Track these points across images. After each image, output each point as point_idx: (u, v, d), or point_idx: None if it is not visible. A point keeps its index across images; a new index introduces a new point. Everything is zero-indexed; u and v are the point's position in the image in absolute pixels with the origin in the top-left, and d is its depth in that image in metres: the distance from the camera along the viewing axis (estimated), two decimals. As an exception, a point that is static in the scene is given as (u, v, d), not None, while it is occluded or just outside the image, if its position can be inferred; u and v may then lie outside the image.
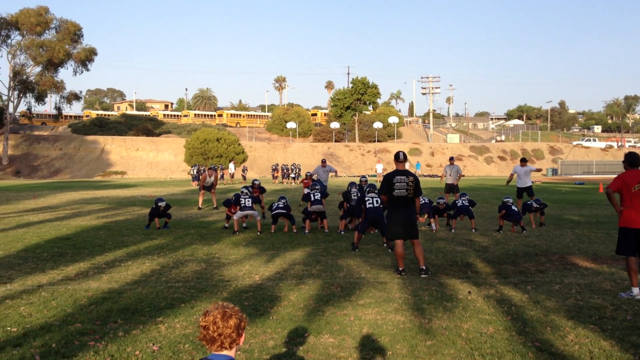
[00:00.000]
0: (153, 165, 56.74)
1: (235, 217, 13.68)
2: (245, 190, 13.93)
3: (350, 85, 72.74)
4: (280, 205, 13.57)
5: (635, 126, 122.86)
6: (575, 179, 48.23)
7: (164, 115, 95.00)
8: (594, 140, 78.95)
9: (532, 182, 17.24)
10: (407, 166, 9.35)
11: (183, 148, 56.69)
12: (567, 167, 60.66)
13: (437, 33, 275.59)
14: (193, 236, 12.92)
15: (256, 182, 17.75)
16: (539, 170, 20.28)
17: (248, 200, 13.71)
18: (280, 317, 6.30)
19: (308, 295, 7.26)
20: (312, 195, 13.76)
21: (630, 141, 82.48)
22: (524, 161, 17.94)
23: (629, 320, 6.07)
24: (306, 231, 13.34)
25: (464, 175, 24.17)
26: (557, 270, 8.97)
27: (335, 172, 26.23)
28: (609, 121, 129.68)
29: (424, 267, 8.63)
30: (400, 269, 8.68)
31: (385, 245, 11.31)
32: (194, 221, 15.95)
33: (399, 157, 9.05)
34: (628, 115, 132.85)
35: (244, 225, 14.25)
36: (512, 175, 17.74)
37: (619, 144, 77.55)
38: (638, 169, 7.43)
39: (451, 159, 20.19)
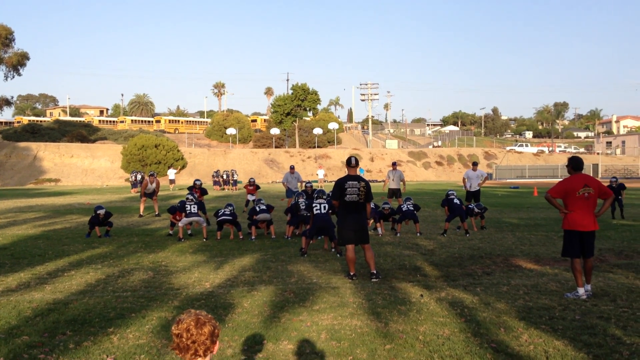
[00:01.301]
0: (88, 172, 54.98)
1: (180, 224, 13.43)
2: (190, 197, 13.70)
3: (290, 91, 72.80)
4: (226, 212, 13.41)
5: (564, 132, 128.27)
6: (510, 183, 49.82)
7: (100, 121, 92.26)
8: (526, 146, 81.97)
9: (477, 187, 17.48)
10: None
11: (120, 155, 55.19)
12: (502, 171, 62.60)
13: (376, 40, 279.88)
14: (137, 244, 12.59)
15: (197, 182, 17.56)
16: (489, 176, 20.66)
17: (194, 207, 13.50)
18: (235, 324, 6.21)
19: (262, 302, 7.20)
20: (257, 207, 13.71)
21: (560, 146, 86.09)
22: (475, 165, 18.21)
23: (577, 319, 6.30)
24: (252, 237, 13.25)
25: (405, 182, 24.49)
26: (502, 272, 9.23)
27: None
28: (540, 127, 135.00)
29: (375, 272, 8.71)
30: (352, 273, 8.73)
31: (333, 250, 11.36)
32: (137, 229, 15.56)
33: (351, 163, 9.11)
34: (557, 121, 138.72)
35: (189, 232, 14.00)
36: (464, 179, 17.83)
37: (550, 149, 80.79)
38: (582, 173, 7.74)
39: (394, 164, 20.45)
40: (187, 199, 13.65)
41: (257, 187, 21.49)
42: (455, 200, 14.16)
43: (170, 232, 14.08)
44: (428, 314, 6.59)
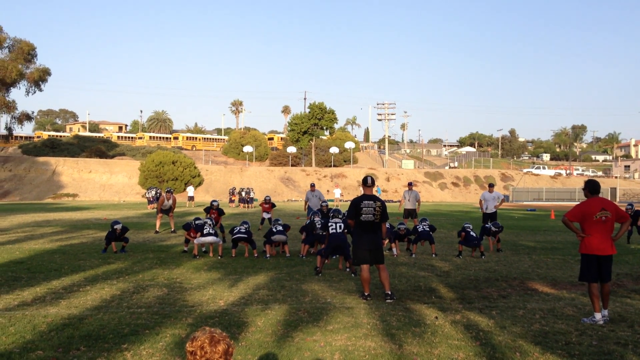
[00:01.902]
0: (106, 187, 55.52)
1: (195, 241, 13.47)
2: (209, 222, 13.76)
3: (308, 110, 73.19)
4: (242, 230, 13.44)
5: (582, 155, 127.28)
6: (527, 206, 49.41)
7: (118, 137, 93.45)
8: (544, 168, 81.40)
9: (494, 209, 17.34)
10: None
11: (137, 170, 55.70)
12: (519, 193, 62.13)
13: (393, 60, 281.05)
14: (152, 260, 12.65)
15: (215, 204, 17.55)
16: (506, 198, 20.55)
17: (212, 230, 13.55)
18: (249, 343, 6.20)
19: (275, 321, 7.18)
20: (274, 228, 13.72)
21: (577, 169, 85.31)
22: (491, 186, 18.13)
23: (594, 345, 6.21)
24: (267, 255, 13.25)
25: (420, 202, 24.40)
26: (519, 295, 9.13)
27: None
28: (557, 149, 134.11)
29: (390, 292, 8.66)
30: (366, 293, 8.69)
31: (348, 270, 11.31)
32: (152, 245, 15.63)
33: (367, 182, 9.12)
34: (575, 144, 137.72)
35: (204, 249, 14.04)
36: (481, 201, 17.77)
37: (567, 171, 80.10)
38: (599, 196, 7.68)
39: (410, 184, 20.39)
40: (206, 222, 13.70)
41: (273, 205, 21.53)
42: (472, 233, 14.02)
43: (185, 248, 14.12)
44: (443, 336, 6.53)
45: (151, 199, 37.30)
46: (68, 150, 68.24)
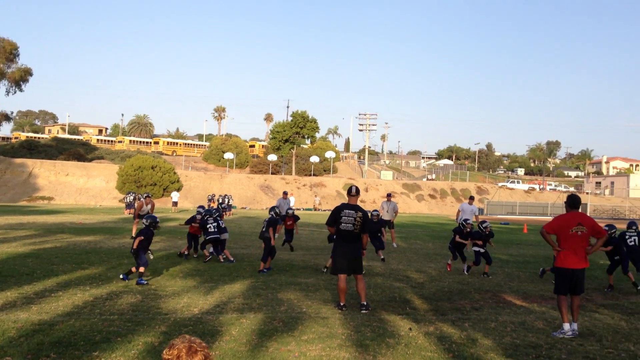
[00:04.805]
0: (83, 191, 54.81)
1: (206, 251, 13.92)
2: (211, 219, 13.90)
3: (290, 118, 73.21)
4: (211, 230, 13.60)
5: (555, 170, 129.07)
6: (501, 219, 49.85)
7: (98, 140, 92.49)
8: (518, 182, 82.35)
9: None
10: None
11: (116, 175, 55.07)
12: (493, 207, 62.64)
13: (376, 71, 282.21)
14: (127, 266, 12.47)
15: (290, 212, 17.00)
16: (480, 211, 20.85)
17: (214, 226, 13.80)
18: (223, 352, 6.19)
19: (250, 330, 7.18)
20: (208, 227, 13.83)
21: (551, 184, 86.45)
22: (471, 199, 18.41)
23: (563, 359, 6.31)
24: (205, 260, 13.51)
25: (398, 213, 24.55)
26: (491, 308, 9.24)
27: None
28: (532, 164, 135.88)
29: (365, 303, 8.70)
30: (342, 304, 8.72)
31: (325, 270, 11.63)
32: (128, 251, 15.42)
33: (352, 192, 9.13)
34: (549, 159, 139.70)
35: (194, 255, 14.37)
36: (459, 211, 18.10)
37: (541, 186, 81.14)
38: (577, 211, 7.86)
39: (388, 195, 20.52)
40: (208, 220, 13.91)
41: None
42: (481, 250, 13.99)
43: (186, 253, 14.46)
44: (416, 348, 6.58)
45: (129, 204, 36.94)
46: (46, 153, 67.30)
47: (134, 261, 13.18)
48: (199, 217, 14.24)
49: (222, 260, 13.61)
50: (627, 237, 12.09)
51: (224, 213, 31.54)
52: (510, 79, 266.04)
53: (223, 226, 14.06)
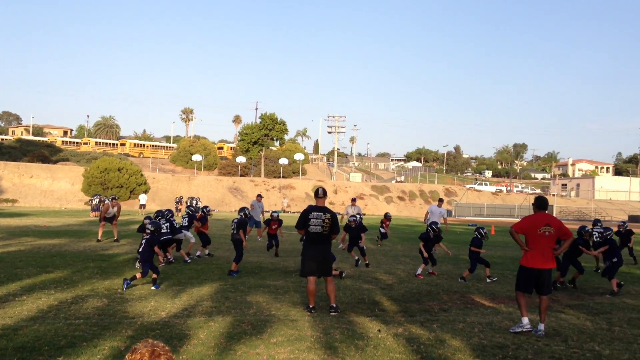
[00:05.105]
0: (47, 193, 53.73)
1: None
2: (164, 220, 13.75)
3: (259, 120, 72.97)
4: (165, 231, 13.38)
5: (522, 172, 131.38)
6: (468, 221, 50.46)
7: (63, 141, 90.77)
8: (486, 184, 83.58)
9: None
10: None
11: (81, 177, 54.11)
12: (461, 209, 63.34)
13: (345, 74, 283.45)
14: (93, 270, 12.33)
15: (275, 215, 16.54)
16: (448, 213, 21.05)
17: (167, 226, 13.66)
18: (190, 356, 6.12)
19: (218, 333, 7.12)
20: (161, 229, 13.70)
21: (518, 186, 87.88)
22: (441, 201, 18.61)
23: (530, 359, 6.41)
24: (161, 260, 12.99)
25: (364, 214, 24.74)
26: (459, 309, 9.34)
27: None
28: (499, 167, 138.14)
29: (334, 305, 8.71)
30: (311, 306, 8.71)
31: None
32: (93, 254, 15.23)
33: (319, 194, 9.12)
34: (516, 161, 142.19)
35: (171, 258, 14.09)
36: (427, 213, 18.29)
37: (508, 188, 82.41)
38: (545, 212, 8.01)
39: (353, 199, 20.75)
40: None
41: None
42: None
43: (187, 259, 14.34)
44: (385, 349, 6.61)
45: (95, 207, 36.36)
46: (9, 154, 65.78)
47: (98, 265, 13.06)
48: (149, 227, 13.84)
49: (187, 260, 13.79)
50: (593, 233, 12.55)
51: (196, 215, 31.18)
52: (478, 82, 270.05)
53: (177, 227, 13.98)
